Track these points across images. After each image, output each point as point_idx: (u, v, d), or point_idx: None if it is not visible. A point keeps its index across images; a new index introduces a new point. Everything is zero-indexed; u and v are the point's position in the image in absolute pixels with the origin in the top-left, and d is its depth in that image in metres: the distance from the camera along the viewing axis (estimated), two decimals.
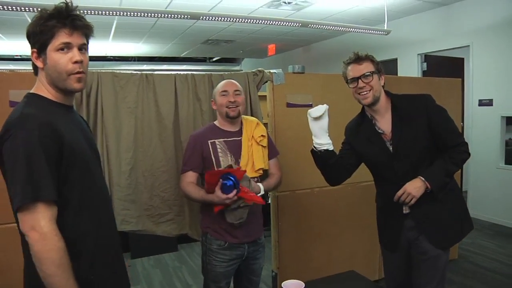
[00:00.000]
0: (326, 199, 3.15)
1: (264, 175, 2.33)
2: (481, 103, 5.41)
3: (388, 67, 6.73)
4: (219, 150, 2.21)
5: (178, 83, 2.64)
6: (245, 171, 2.14)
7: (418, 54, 6.28)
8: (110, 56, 10.36)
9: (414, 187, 1.90)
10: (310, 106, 2.97)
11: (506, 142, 5.32)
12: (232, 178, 2.02)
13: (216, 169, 2.15)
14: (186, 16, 4.12)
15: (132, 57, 10.79)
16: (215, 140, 2.22)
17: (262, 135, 2.29)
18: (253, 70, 2.85)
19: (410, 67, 6.42)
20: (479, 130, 5.43)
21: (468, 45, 5.51)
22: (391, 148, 1.98)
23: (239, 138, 2.26)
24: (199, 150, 2.21)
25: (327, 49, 8.65)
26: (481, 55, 5.38)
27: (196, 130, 2.45)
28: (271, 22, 4.77)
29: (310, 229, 3.12)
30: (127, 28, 7.04)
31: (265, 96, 2.97)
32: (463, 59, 6.23)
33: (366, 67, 1.96)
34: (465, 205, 2.12)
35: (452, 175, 1.97)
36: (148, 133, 2.58)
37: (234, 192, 2.01)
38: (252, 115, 2.80)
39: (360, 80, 1.95)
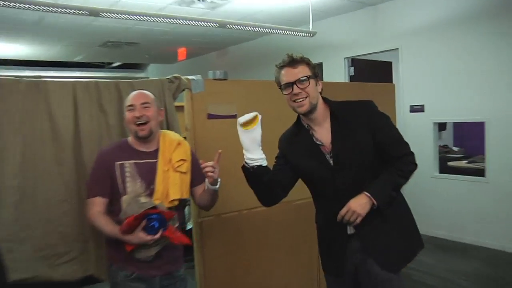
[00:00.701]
0: (257, 222, 3.16)
1: (181, 204, 2.31)
2: (413, 109, 5.82)
3: None
4: (127, 174, 2.14)
5: (78, 93, 2.51)
6: (175, 213, 2.15)
7: (345, 58, 6.62)
8: None
9: (359, 204, 1.93)
10: (235, 117, 2.98)
11: (439, 148, 5.76)
12: (158, 217, 2.02)
13: (121, 195, 2.12)
14: (82, 12, 3.94)
15: (9, 60, 10.07)
16: (124, 162, 2.15)
17: (182, 159, 2.25)
18: (168, 77, 2.79)
19: (336, 72, 6.74)
20: (412, 137, 5.66)
21: (397, 48, 5.92)
22: (331, 161, 2.03)
23: (154, 160, 2.21)
24: (107, 172, 2.13)
25: (246, 53, 8.79)
26: (410, 59, 5.82)
27: (105, 146, 2.37)
28: (184, 21, 4.73)
29: (241, 258, 3.10)
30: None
31: (183, 106, 2.92)
32: (391, 63, 6.65)
33: (301, 71, 1.98)
34: (414, 221, 2.20)
35: (400, 188, 2.04)
36: (40, 154, 2.41)
37: (160, 232, 2.02)
38: (168, 129, 2.73)
39: (295, 86, 1.97)
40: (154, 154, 2.22)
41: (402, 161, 2.02)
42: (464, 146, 7.23)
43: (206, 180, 2.18)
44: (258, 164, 1.99)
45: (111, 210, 2.18)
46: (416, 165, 2.05)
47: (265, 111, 3.05)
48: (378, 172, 2.02)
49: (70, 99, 2.49)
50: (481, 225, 5.19)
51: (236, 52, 9.09)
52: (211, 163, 2.12)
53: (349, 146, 2.00)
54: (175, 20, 4.72)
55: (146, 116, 2.15)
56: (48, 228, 2.42)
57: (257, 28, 5.37)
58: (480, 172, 5.32)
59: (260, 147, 2.00)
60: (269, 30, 5.54)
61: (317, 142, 2.06)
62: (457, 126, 7.38)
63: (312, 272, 3.49)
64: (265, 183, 2.06)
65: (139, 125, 2.14)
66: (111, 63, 11.53)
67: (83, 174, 2.46)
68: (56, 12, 3.99)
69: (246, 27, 5.24)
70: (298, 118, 2.14)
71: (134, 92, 2.24)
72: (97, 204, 2.12)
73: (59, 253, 2.45)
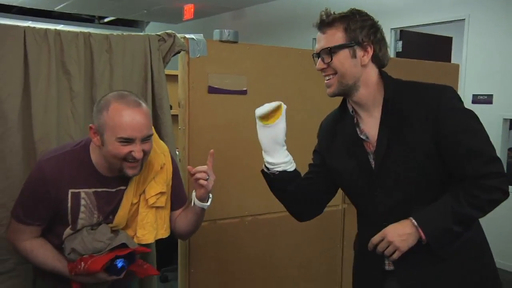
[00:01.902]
0: (262, 233, 2.90)
1: None
2: (477, 99, 5.46)
3: None
4: (82, 207, 1.85)
5: (30, 43, 2.20)
6: (149, 250, 2.02)
7: (392, 28, 6.26)
8: None
9: (399, 234, 1.61)
10: (244, 93, 2.69)
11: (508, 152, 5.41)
12: (127, 261, 1.83)
13: (69, 224, 1.86)
14: None
15: None
16: (81, 191, 1.84)
17: (160, 193, 1.94)
18: (158, 33, 2.49)
19: None
20: None
21: (463, 19, 5.54)
22: (373, 165, 1.72)
23: (120, 188, 1.91)
24: (50, 201, 1.82)
25: (267, 16, 8.49)
26: (479, 34, 5.43)
27: (50, 153, 1.91)
28: None
29: (239, 277, 2.84)
30: None
31: (176, 76, 2.64)
32: (451, 38, 6.33)
33: (329, 38, 1.66)
34: (494, 269, 1.82)
35: (469, 222, 1.64)
36: None
37: (124, 272, 1.84)
38: (154, 104, 2.48)
39: (319, 59, 1.68)
40: (120, 180, 1.89)
41: (480, 183, 1.59)
42: None
43: (193, 193, 1.93)
44: (281, 169, 1.78)
45: (45, 228, 1.92)
46: (505, 193, 1.60)
47: (283, 89, 2.83)
48: (442, 192, 1.66)
49: (19, 52, 2.18)
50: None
51: (254, 14, 8.78)
52: (204, 167, 1.87)
53: (398, 148, 1.65)
54: None
55: (145, 151, 1.80)
56: None
57: None
58: None
59: (285, 147, 1.78)
60: None
61: (361, 136, 1.74)
62: None
63: None
64: (294, 192, 1.83)
65: (131, 163, 1.79)
66: (103, 18, 11.36)
67: (33, 154, 2.22)
68: None
69: None
70: (344, 99, 1.82)
71: (131, 118, 1.73)
72: (30, 232, 1.87)
73: None
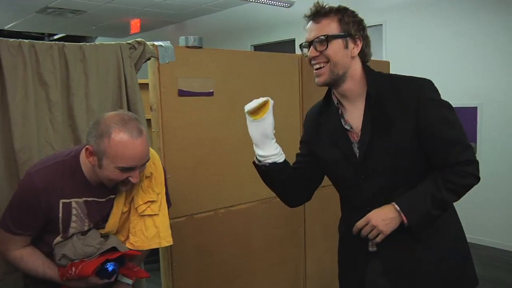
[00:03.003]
0: (236, 223, 2.78)
1: None
2: None
3: (284, 50, 6.66)
4: (73, 218, 1.69)
5: (4, 56, 2.00)
6: (140, 253, 1.82)
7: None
8: None
9: (383, 219, 1.56)
10: (211, 94, 2.58)
11: None
12: (118, 264, 1.71)
13: (60, 232, 1.71)
14: None
15: None
16: (72, 200, 1.68)
17: (149, 201, 1.80)
18: (129, 41, 2.34)
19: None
20: None
21: (381, 24, 5.64)
22: (357, 154, 1.65)
23: (110, 197, 1.76)
24: (41, 212, 1.66)
25: (208, 26, 8.36)
26: (395, 37, 5.58)
27: (40, 164, 1.74)
28: None
29: (217, 267, 2.71)
30: None
31: (146, 84, 2.48)
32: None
33: (324, 27, 1.57)
34: (467, 250, 1.77)
35: (446, 206, 1.61)
36: None
37: (115, 275, 1.72)
38: (129, 109, 2.31)
39: (312, 46, 1.58)
40: (110, 189, 1.75)
41: (456, 170, 1.56)
42: None
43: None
44: (271, 161, 1.68)
45: (35, 237, 1.76)
46: (477, 178, 1.58)
47: (247, 90, 2.73)
48: (421, 178, 1.62)
49: None
50: (476, 221, 4.97)
51: (195, 26, 8.61)
52: None
53: (382, 137, 1.59)
54: None
55: (140, 176, 1.70)
56: None
57: None
58: None
59: (274, 140, 1.68)
60: None
61: (345, 126, 1.67)
62: None
63: (299, 283, 3.16)
64: (284, 181, 1.75)
65: (125, 183, 1.67)
66: (52, 35, 10.77)
67: (13, 163, 2.03)
68: None
69: None
70: (329, 89, 1.74)
71: (134, 150, 1.59)
72: (20, 241, 1.70)
73: None
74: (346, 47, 1.59)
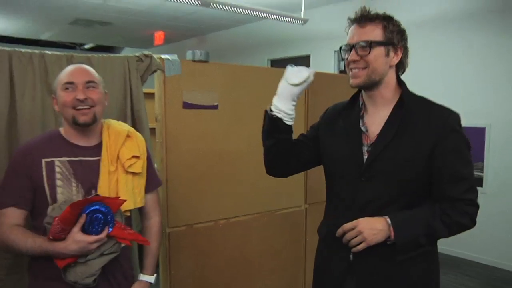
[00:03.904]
0: (235, 235, 2.69)
1: (132, 216, 1.83)
2: None
3: (300, 64, 6.57)
4: (58, 175, 1.58)
5: (15, 65, 1.99)
6: (124, 200, 1.61)
7: (335, 50, 6.13)
8: None
9: (371, 228, 1.45)
10: (215, 107, 2.51)
11: None
12: (103, 210, 1.51)
13: (49, 203, 1.56)
14: None
15: None
16: (55, 159, 1.60)
17: (134, 156, 1.71)
18: (136, 54, 2.28)
19: (325, 65, 6.29)
20: None
21: None
22: (365, 157, 1.55)
23: (96, 158, 1.66)
24: (26, 173, 1.57)
25: (227, 41, 8.31)
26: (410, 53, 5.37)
27: (29, 140, 1.76)
28: None
29: (216, 277, 2.62)
30: None
31: (153, 93, 2.42)
32: None
33: (368, 33, 1.48)
34: (438, 274, 1.64)
35: (434, 237, 1.50)
36: None
37: (106, 230, 1.53)
38: (133, 119, 2.26)
39: (353, 50, 1.50)
40: (96, 150, 1.67)
41: (456, 205, 1.46)
42: None
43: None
44: (279, 116, 1.61)
45: (33, 226, 1.64)
46: (473, 221, 1.49)
47: (252, 104, 2.65)
48: (419, 202, 1.51)
49: (5, 73, 1.98)
50: (478, 239, 4.81)
51: (216, 40, 8.58)
52: None
53: (398, 149, 1.49)
54: None
55: (91, 100, 1.61)
56: None
57: (241, 10, 4.84)
58: (476, 182, 4.91)
59: (293, 103, 1.62)
60: (257, 13, 5.04)
61: (362, 127, 1.58)
62: None
63: None
64: (279, 142, 1.66)
65: (79, 110, 1.60)
66: (83, 44, 10.88)
67: None
68: None
69: (231, 8, 4.73)
70: (358, 91, 1.66)
71: (72, 67, 1.66)
72: (10, 216, 1.56)
73: None
74: (387, 55, 1.50)
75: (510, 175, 4.64)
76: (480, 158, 4.88)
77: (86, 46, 10.86)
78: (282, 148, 1.68)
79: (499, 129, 4.68)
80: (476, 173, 4.92)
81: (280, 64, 7.34)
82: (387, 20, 1.50)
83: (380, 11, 1.53)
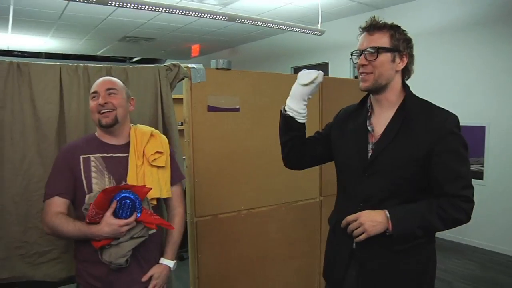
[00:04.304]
0: (256, 224, 2.66)
1: (160, 206, 1.84)
2: None
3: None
4: (93, 169, 1.64)
5: (64, 76, 2.04)
6: (150, 188, 1.63)
7: (351, 58, 6.03)
8: (17, 52, 9.25)
9: (371, 220, 1.43)
10: (237, 110, 2.49)
11: None
12: (132, 197, 1.54)
13: (86, 193, 1.61)
14: (89, 0, 3.44)
15: (43, 53, 9.67)
16: (90, 156, 1.67)
17: (157, 152, 1.75)
18: (166, 64, 2.28)
19: (342, 72, 6.21)
20: None
21: None
22: (370, 154, 1.51)
23: (125, 154, 1.72)
24: (68, 168, 1.63)
25: (256, 51, 8.30)
26: (414, 62, 5.24)
27: (71, 141, 1.85)
28: (193, 14, 4.23)
29: (238, 261, 2.60)
30: (26, 17, 6.11)
31: (181, 98, 2.42)
32: None
33: (376, 40, 1.46)
34: (435, 263, 1.60)
35: (430, 231, 1.47)
36: (20, 142, 1.95)
37: (135, 215, 1.56)
38: (164, 122, 2.27)
39: (362, 56, 1.48)
40: (125, 148, 1.73)
41: (452, 201, 1.41)
42: None
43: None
44: (292, 115, 1.62)
45: (77, 216, 1.67)
46: (468, 217, 1.43)
47: (270, 107, 2.61)
48: (418, 198, 1.47)
49: (56, 84, 2.02)
50: (480, 227, 4.68)
51: (246, 50, 8.59)
52: None
53: (399, 147, 1.46)
54: (186, 13, 4.21)
55: (111, 104, 1.68)
56: (27, 224, 1.96)
57: (265, 24, 4.83)
58: (475, 175, 4.78)
59: (305, 103, 1.62)
60: (277, 26, 5.01)
61: (368, 127, 1.55)
62: None
63: (313, 278, 3.00)
64: (294, 138, 1.67)
65: (103, 113, 1.67)
66: (132, 58, 11.09)
67: None
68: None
69: (254, 22, 4.71)
70: (367, 94, 1.64)
71: (100, 79, 1.75)
72: (56, 205, 1.61)
73: (39, 252, 2.00)
74: (393, 61, 1.47)
75: (507, 169, 4.52)
76: (481, 153, 4.73)
77: (135, 59, 11.06)
78: (296, 144, 1.67)
79: (498, 127, 4.56)
80: (477, 167, 4.78)
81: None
82: (394, 29, 1.48)
83: (390, 21, 1.51)
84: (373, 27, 1.48)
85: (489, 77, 4.58)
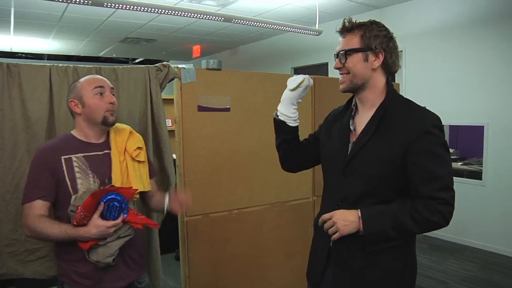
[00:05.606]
0: (248, 223, 2.66)
1: (141, 200, 1.88)
2: None
3: (319, 72, 6.53)
4: (76, 169, 1.63)
5: (54, 77, 2.05)
6: (136, 190, 1.68)
7: None
8: (21, 53, 9.30)
9: (344, 219, 1.42)
10: (228, 110, 2.50)
11: None
12: (119, 198, 1.56)
13: (71, 194, 1.61)
14: (85, 1, 3.46)
15: (46, 55, 9.73)
16: (71, 156, 1.65)
17: (138, 147, 1.79)
18: (156, 64, 2.30)
19: None
20: None
21: (401, 51, 5.32)
22: (348, 152, 1.51)
23: (106, 151, 1.73)
24: (48, 170, 1.61)
25: (256, 52, 8.30)
26: (412, 62, 5.25)
27: (45, 143, 1.83)
28: (191, 15, 4.24)
29: (229, 260, 2.60)
30: (27, 19, 6.15)
31: (172, 99, 2.42)
32: None
33: (347, 42, 1.47)
34: (415, 268, 1.55)
35: (404, 232, 1.40)
36: (10, 142, 1.97)
37: (122, 216, 1.59)
38: (153, 121, 2.28)
39: (338, 59, 1.49)
40: (104, 145, 1.74)
41: (426, 203, 1.36)
42: (458, 148, 6.61)
43: (167, 199, 1.83)
44: (283, 119, 1.66)
45: (58, 216, 1.68)
46: (445, 220, 1.37)
47: (262, 106, 2.63)
48: (395, 198, 1.44)
49: (46, 85, 2.04)
50: (478, 227, 4.67)
51: (246, 51, 8.58)
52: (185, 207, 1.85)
53: (375, 146, 1.44)
54: (183, 14, 4.23)
55: (115, 103, 1.74)
56: (17, 222, 1.98)
57: (263, 24, 4.84)
58: (475, 175, 4.74)
59: (294, 107, 1.66)
60: (276, 27, 5.02)
61: (351, 126, 1.55)
62: (453, 128, 6.78)
63: (305, 278, 2.98)
64: (288, 141, 1.72)
65: (111, 111, 1.70)
66: (134, 59, 11.09)
67: None
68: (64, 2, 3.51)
69: (251, 23, 4.73)
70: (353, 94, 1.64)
71: (92, 75, 1.77)
72: (37, 208, 1.60)
73: (29, 250, 2.02)
74: (366, 60, 1.45)
75: (506, 169, 4.47)
76: (480, 153, 4.70)
77: (137, 60, 11.09)
78: (288, 147, 1.71)
79: (497, 127, 4.52)
80: (476, 167, 4.75)
81: (301, 71, 7.28)
82: (364, 28, 1.46)
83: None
84: (344, 30, 1.49)
85: (488, 77, 4.54)
